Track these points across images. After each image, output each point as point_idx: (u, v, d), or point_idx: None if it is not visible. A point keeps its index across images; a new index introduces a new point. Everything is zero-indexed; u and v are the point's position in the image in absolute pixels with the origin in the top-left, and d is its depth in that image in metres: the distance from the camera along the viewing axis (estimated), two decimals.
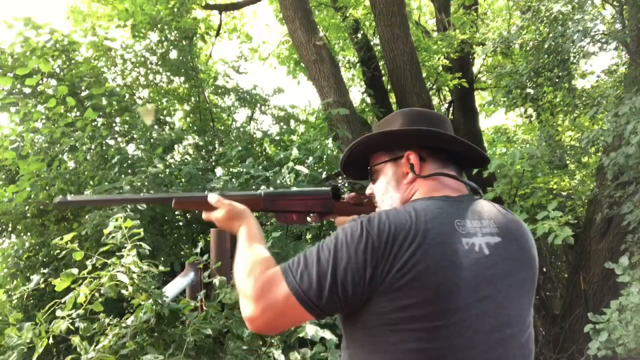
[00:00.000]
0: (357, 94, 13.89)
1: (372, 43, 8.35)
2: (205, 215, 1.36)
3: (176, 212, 5.95)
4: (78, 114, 5.25)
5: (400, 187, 1.19)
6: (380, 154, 1.25)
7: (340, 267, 0.97)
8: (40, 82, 5.25)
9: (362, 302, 0.98)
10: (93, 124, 5.07)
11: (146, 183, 4.70)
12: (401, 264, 0.95)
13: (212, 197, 1.33)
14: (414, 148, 1.19)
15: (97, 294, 2.13)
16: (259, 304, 1.01)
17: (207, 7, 8.81)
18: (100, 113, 5.31)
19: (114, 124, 5.79)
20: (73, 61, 5.78)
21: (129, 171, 4.87)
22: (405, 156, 1.19)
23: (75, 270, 2.14)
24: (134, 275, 2.20)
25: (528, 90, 6.49)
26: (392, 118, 1.27)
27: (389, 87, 7.98)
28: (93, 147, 4.91)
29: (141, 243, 2.33)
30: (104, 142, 4.95)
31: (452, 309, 0.97)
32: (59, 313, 2.08)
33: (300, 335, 2.55)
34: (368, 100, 8.13)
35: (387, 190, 1.22)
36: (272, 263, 1.11)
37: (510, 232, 1.14)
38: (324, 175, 5.82)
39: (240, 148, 5.56)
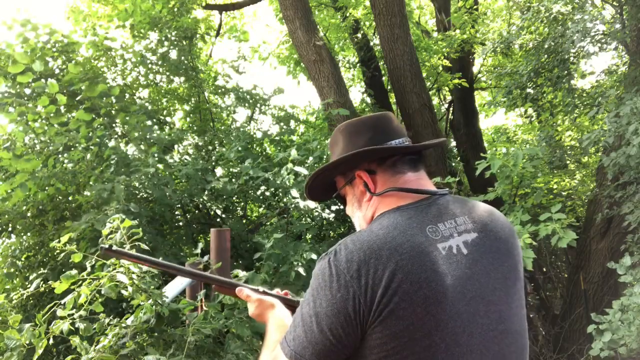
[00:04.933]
0: (357, 94, 13.92)
1: (372, 43, 8.34)
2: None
3: (176, 212, 5.95)
4: (74, 114, 5.25)
5: (362, 205, 1.19)
6: (339, 178, 1.26)
7: (322, 315, 0.95)
8: (33, 81, 5.24)
9: (358, 340, 0.95)
10: (93, 124, 5.06)
11: (146, 183, 4.69)
12: (383, 289, 0.92)
13: (240, 292, 1.37)
14: (362, 165, 1.19)
15: (97, 295, 2.13)
16: None
17: (207, 7, 8.80)
18: (94, 115, 5.29)
19: (113, 124, 5.79)
20: (73, 61, 5.78)
21: (123, 170, 4.86)
22: (357, 176, 1.20)
23: (74, 272, 2.13)
24: (134, 276, 2.19)
25: (528, 90, 6.48)
26: (335, 138, 1.27)
27: (389, 87, 7.97)
28: (91, 146, 4.91)
29: (140, 243, 2.32)
30: (101, 142, 4.94)
31: (444, 320, 0.94)
32: (59, 313, 2.07)
33: None
34: (368, 100, 8.12)
35: (354, 212, 1.23)
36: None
37: (486, 224, 1.11)
38: None
39: (239, 148, 5.56)
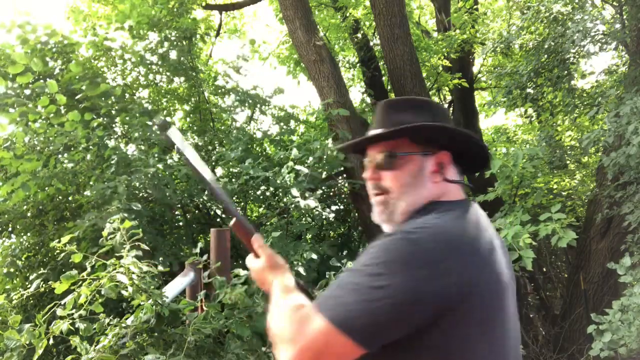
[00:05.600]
0: (357, 94, 13.90)
1: (372, 43, 8.34)
2: (248, 259, 1.29)
3: (176, 212, 5.95)
4: (70, 115, 5.26)
5: (426, 183, 1.13)
6: (407, 141, 1.15)
7: (392, 290, 0.89)
8: (33, 81, 5.25)
9: (425, 324, 0.91)
10: (90, 124, 5.06)
11: (146, 183, 4.69)
12: (466, 278, 0.92)
13: (257, 239, 1.26)
14: (444, 146, 1.16)
15: (97, 295, 2.13)
16: (296, 344, 0.92)
17: (207, 7, 8.81)
18: (94, 115, 5.29)
19: (113, 124, 5.79)
20: (73, 61, 5.78)
21: (124, 170, 4.87)
22: (438, 155, 1.15)
23: (75, 272, 2.13)
24: (134, 276, 2.19)
25: (528, 90, 6.48)
26: (421, 104, 1.21)
27: (389, 87, 7.97)
28: (91, 146, 4.91)
29: (140, 243, 2.32)
30: (100, 142, 4.94)
31: (506, 314, 1.01)
32: (59, 313, 2.07)
33: None
34: (368, 100, 8.12)
35: (413, 184, 1.13)
36: (308, 305, 1.01)
37: (496, 233, 1.16)
38: (324, 176, 5.82)
39: (240, 149, 5.56)
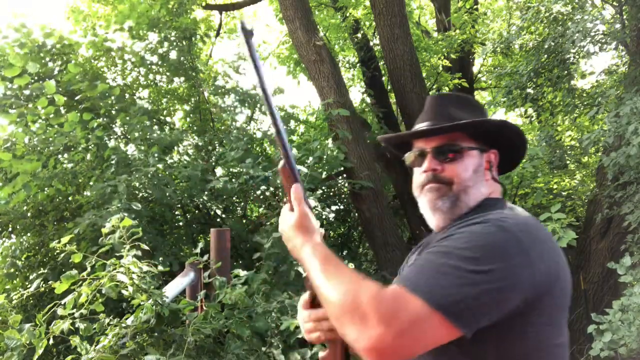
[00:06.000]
0: (357, 94, 13.90)
1: (372, 43, 8.34)
2: (283, 209, 1.16)
3: (176, 212, 5.95)
4: (69, 115, 5.26)
5: (483, 181, 1.15)
6: (464, 136, 1.15)
7: (494, 275, 0.88)
8: (31, 82, 5.25)
9: (514, 312, 0.91)
10: (88, 125, 5.06)
11: (146, 183, 4.69)
12: (554, 270, 0.96)
13: (296, 190, 1.11)
14: (495, 147, 1.19)
15: (97, 295, 2.13)
16: (389, 326, 0.84)
17: (207, 7, 8.80)
18: (93, 115, 5.30)
19: (113, 124, 5.79)
20: (72, 62, 5.78)
21: (123, 170, 4.87)
22: (489, 153, 1.17)
23: (75, 272, 2.14)
24: (134, 276, 2.19)
25: (528, 90, 6.48)
26: (470, 101, 1.25)
27: (389, 87, 7.97)
28: (90, 147, 4.91)
29: (139, 243, 2.32)
30: (100, 142, 4.95)
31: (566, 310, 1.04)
32: (59, 312, 2.07)
33: (300, 335, 2.54)
34: (368, 100, 8.12)
35: (474, 179, 1.14)
36: (377, 282, 0.94)
37: None
38: (323, 176, 5.82)
39: (240, 149, 5.56)
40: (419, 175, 1.18)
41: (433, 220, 1.15)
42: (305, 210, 1.11)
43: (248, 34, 0.96)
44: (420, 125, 1.20)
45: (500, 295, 0.88)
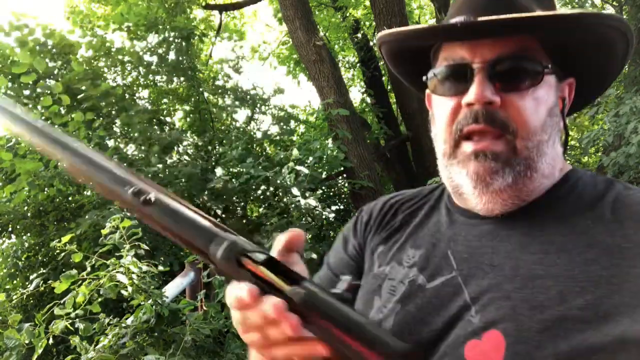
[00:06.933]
0: (357, 94, 13.88)
1: (372, 43, 8.34)
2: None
3: None
4: (74, 115, 5.26)
5: (559, 132, 0.70)
6: (539, 46, 0.65)
7: None
8: (35, 82, 5.26)
9: None
10: (92, 125, 5.07)
11: None
12: None
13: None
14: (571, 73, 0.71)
15: (96, 295, 2.13)
16: None
17: (207, 7, 8.80)
18: (95, 115, 5.30)
19: (113, 125, 5.79)
20: (72, 62, 5.79)
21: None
22: (566, 84, 0.71)
23: (74, 272, 2.14)
24: (134, 276, 2.19)
25: None
26: None
27: (389, 87, 7.97)
28: (92, 147, 4.91)
29: (139, 243, 2.32)
30: (101, 142, 4.95)
31: None
32: (56, 312, 2.07)
33: None
34: (368, 100, 8.12)
35: (551, 128, 0.68)
36: None
37: None
38: (324, 175, 5.82)
39: (240, 148, 5.56)
40: (450, 114, 0.67)
41: (477, 200, 0.67)
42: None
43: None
44: (458, 19, 0.64)
45: None
